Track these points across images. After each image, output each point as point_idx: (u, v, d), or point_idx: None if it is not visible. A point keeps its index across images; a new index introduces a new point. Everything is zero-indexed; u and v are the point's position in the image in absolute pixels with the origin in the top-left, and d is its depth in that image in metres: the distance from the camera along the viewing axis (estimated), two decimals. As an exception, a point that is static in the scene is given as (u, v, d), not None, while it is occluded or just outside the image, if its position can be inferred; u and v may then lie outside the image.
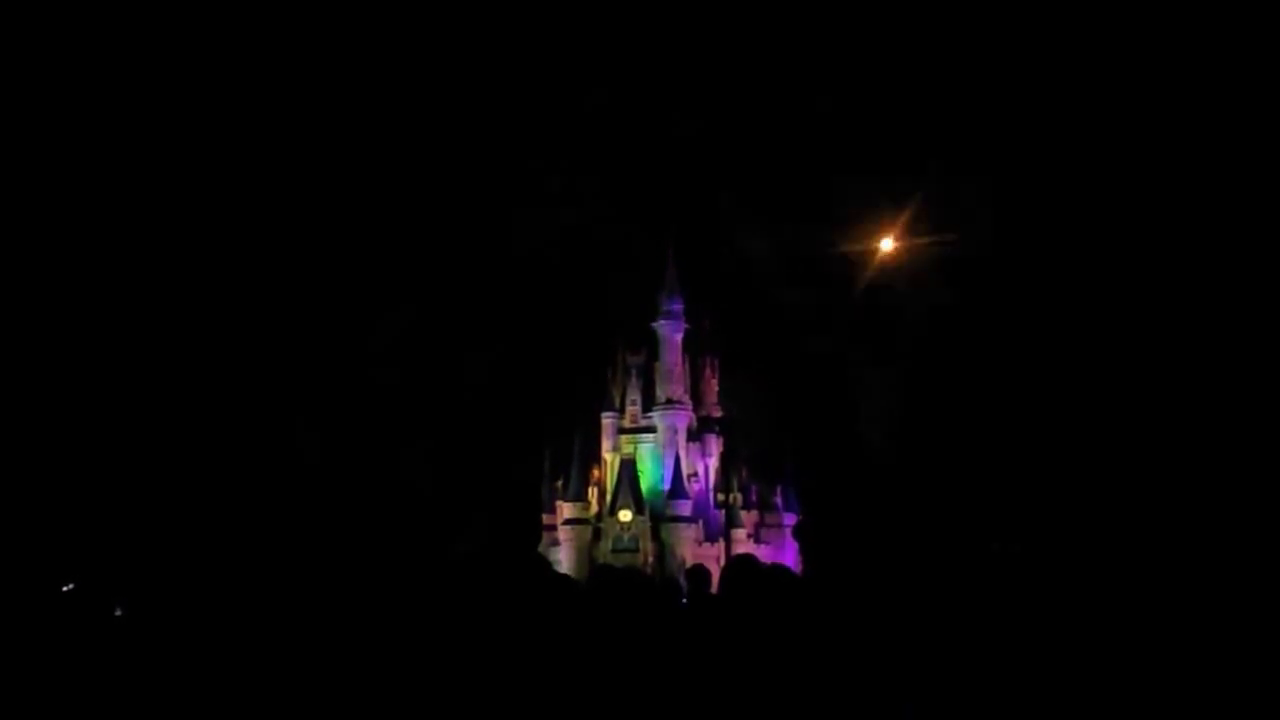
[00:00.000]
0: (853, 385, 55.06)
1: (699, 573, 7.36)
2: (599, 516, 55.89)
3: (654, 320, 59.36)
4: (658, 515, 54.66)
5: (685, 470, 55.74)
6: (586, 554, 53.57)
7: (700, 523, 54.63)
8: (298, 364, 50.86)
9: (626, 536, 54.01)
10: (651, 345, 59.58)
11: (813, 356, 54.92)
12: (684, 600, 7.08)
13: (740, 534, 55.28)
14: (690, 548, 52.53)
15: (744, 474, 57.31)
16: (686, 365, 59.29)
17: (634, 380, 58.75)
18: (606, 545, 53.82)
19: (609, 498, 55.83)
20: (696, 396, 59.39)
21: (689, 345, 59.64)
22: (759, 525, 55.85)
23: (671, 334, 58.95)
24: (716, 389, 60.28)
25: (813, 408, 55.68)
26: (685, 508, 54.58)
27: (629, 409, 58.41)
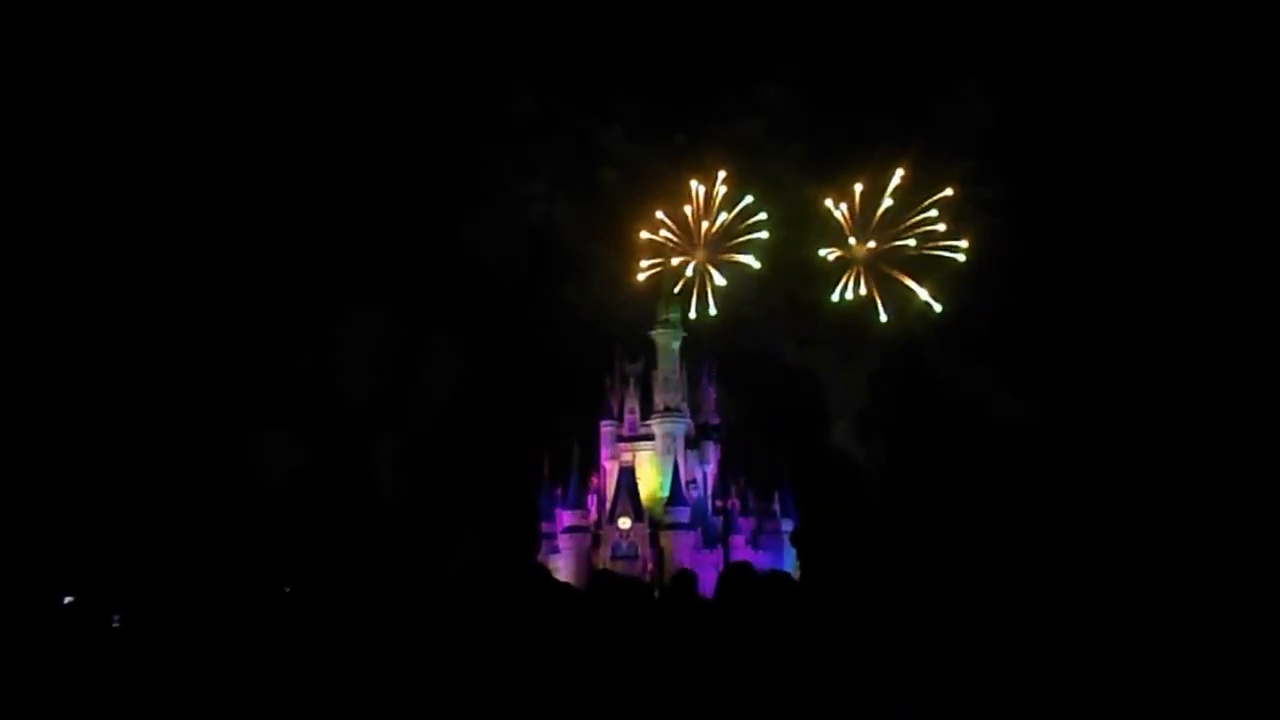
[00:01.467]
0: (827, 392, 54.54)
1: (685, 577, 7.40)
2: (598, 524, 55.91)
3: (651, 329, 59.40)
4: (656, 522, 54.75)
5: (684, 477, 55.77)
6: (586, 561, 53.59)
7: (699, 529, 54.66)
8: (285, 374, 50.62)
9: (625, 543, 54.05)
10: (649, 354, 59.63)
11: (797, 363, 54.38)
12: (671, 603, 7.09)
13: (739, 540, 55.22)
14: (689, 554, 52.53)
15: (742, 481, 57.31)
16: (684, 373, 59.31)
17: (632, 389, 58.87)
18: (605, 552, 53.82)
19: (608, 505, 55.85)
20: (694, 404, 59.41)
21: (686, 353, 59.65)
22: (757, 532, 55.80)
23: (669, 342, 58.97)
24: (714, 396, 60.28)
25: (803, 415, 55.54)
26: (684, 515, 54.62)
27: (627, 417, 58.51)
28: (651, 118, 53.64)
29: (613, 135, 53.47)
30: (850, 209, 44.75)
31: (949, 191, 43.43)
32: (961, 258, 43.31)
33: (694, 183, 49.61)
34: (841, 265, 45.56)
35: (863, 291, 44.85)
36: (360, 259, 53.51)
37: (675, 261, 50.83)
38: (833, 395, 55.34)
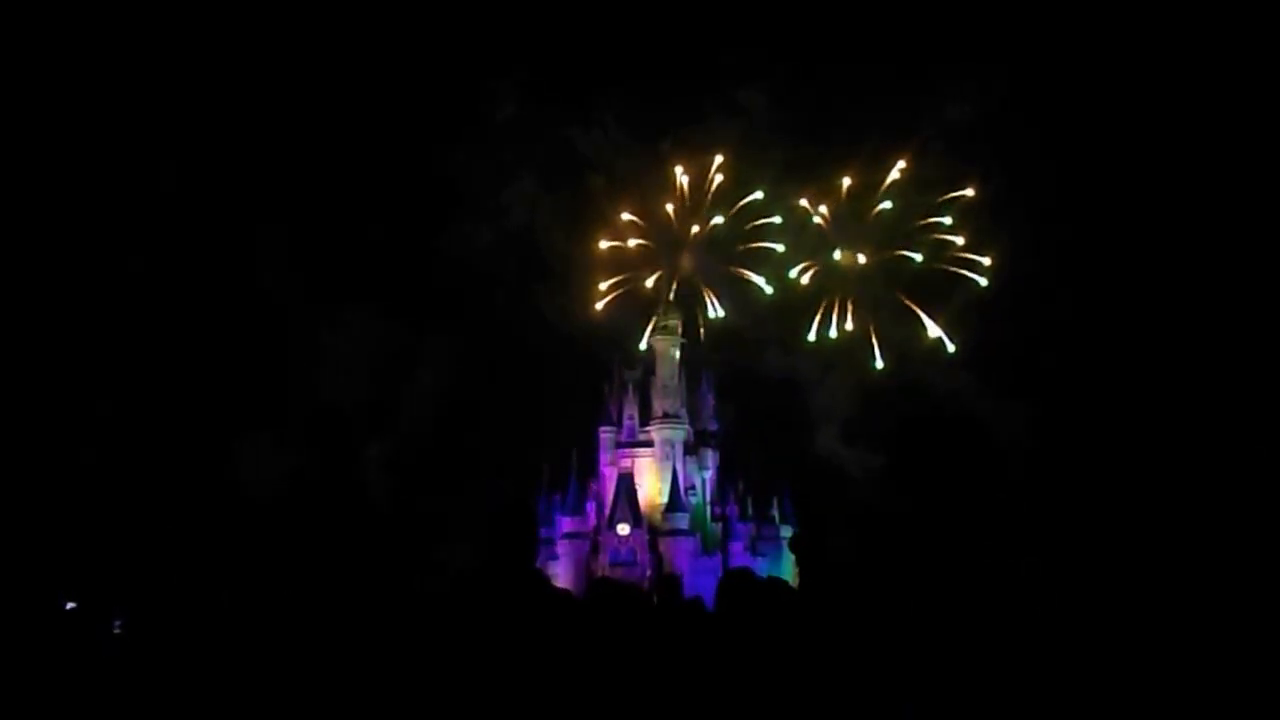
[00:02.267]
0: (824, 399, 53.17)
1: (669, 582, 7.43)
2: (597, 530, 55.86)
3: (650, 335, 59.43)
4: (655, 529, 54.69)
5: (682, 484, 55.75)
6: (584, 567, 53.52)
7: (698, 536, 54.66)
8: (279, 379, 50.44)
9: (624, 550, 53.96)
10: (648, 360, 59.63)
11: (792, 371, 53.12)
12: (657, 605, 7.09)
13: (737, 547, 55.20)
14: (688, 561, 52.47)
15: (741, 487, 57.30)
16: (683, 379, 59.32)
17: (631, 395, 58.91)
18: (604, 559, 53.77)
19: (607, 511, 55.81)
20: (693, 410, 59.40)
21: (685, 359, 59.65)
22: (756, 538, 55.77)
23: (668, 348, 58.98)
24: (713, 403, 60.28)
25: (801, 421, 55.23)
26: (683, 521, 54.60)
27: (626, 423, 58.55)
28: (635, 119, 51.95)
29: (594, 139, 51.98)
30: (832, 211, 36.15)
31: (969, 192, 33.84)
32: (984, 281, 33.59)
33: (679, 170, 42.42)
34: (824, 285, 38.26)
35: (850, 325, 35.65)
36: (354, 263, 53.43)
37: (650, 282, 47.09)
38: (831, 402, 55.05)
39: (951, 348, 31.97)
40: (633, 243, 46.31)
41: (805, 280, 34.50)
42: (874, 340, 33.71)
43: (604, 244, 45.92)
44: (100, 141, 46.95)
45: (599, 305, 46.20)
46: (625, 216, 45.16)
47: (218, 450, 47.45)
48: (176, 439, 46.90)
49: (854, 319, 34.62)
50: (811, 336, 32.56)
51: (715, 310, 43.30)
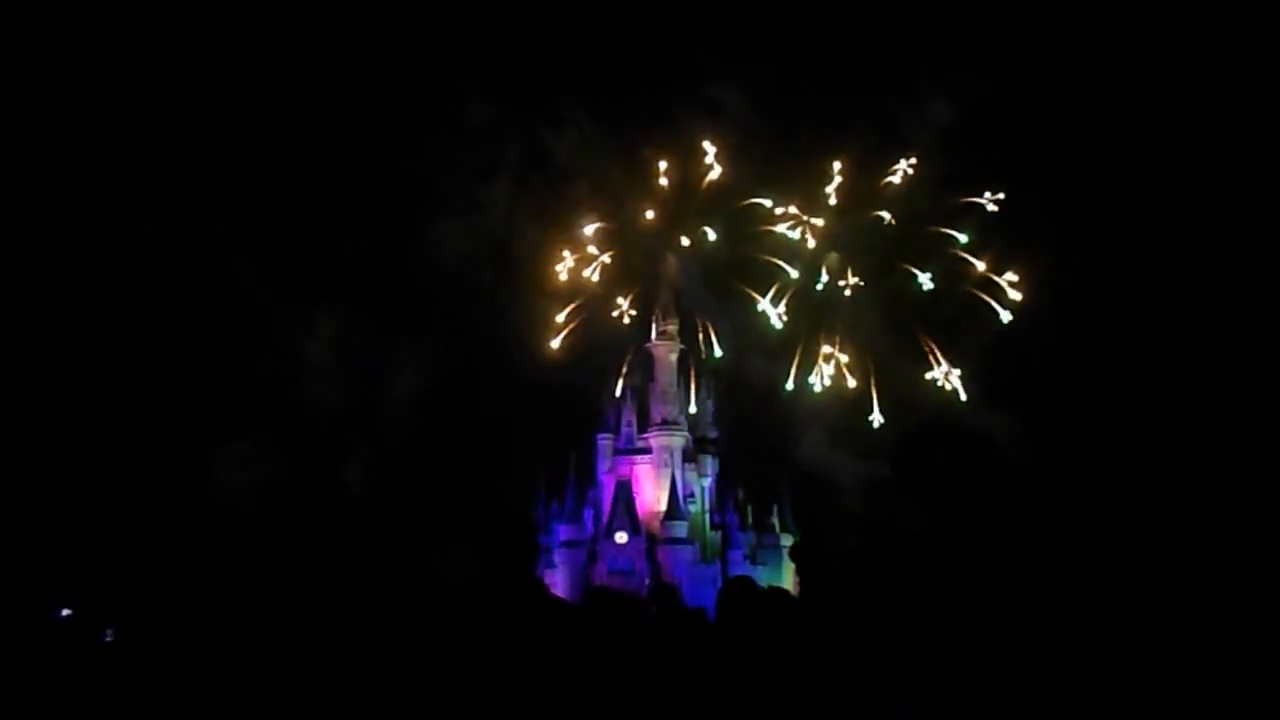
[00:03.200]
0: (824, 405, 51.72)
1: (666, 591, 7.41)
2: (595, 538, 55.73)
3: (648, 341, 59.34)
4: (654, 537, 54.57)
5: (681, 492, 55.64)
6: (582, 576, 53.39)
7: (697, 544, 54.55)
8: (272, 387, 50.07)
9: (622, 558, 53.84)
10: (647, 366, 59.54)
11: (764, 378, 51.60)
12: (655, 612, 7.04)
13: (737, 555, 55.15)
14: (686, 569, 52.37)
15: (740, 495, 57.22)
16: (682, 386, 59.26)
17: (629, 401, 58.82)
18: (602, 567, 53.64)
19: (605, 520, 55.68)
20: (692, 417, 59.33)
21: (684, 366, 59.59)
22: (756, 546, 55.69)
23: (666, 355, 58.94)
24: (712, 409, 60.22)
25: (800, 428, 54.75)
26: (681, 529, 54.48)
27: (624, 430, 58.44)
28: (612, 117, 50.10)
29: (568, 138, 50.55)
30: (820, 224, 31.35)
31: (990, 202, 28.76)
32: (1007, 315, 29.06)
33: (663, 165, 39.69)
34: (807, 314, 33.73)
35: (840, 361, 31.10)
36: (339, 266, 52.93)
37: (621, 311, 45.12)
38: (830, 408, 54.68)
39: (965, 396, 27.46)
40: (605, 258, 45.51)
41: (780, 309, 31.00)
42: (873, 390, 29.71)
43: (561, 268, 43.43)
44: (71, 145, 46.68)
45: (554, 343, 45.10)
46: (589, 229, 43.21)
47: (202, 457, 47.02)
48: (159, 447, 46.49)
49: (842, 356, 29.97)
50: (789, 385, 28.87)
51: (715, 349, 42.30)
